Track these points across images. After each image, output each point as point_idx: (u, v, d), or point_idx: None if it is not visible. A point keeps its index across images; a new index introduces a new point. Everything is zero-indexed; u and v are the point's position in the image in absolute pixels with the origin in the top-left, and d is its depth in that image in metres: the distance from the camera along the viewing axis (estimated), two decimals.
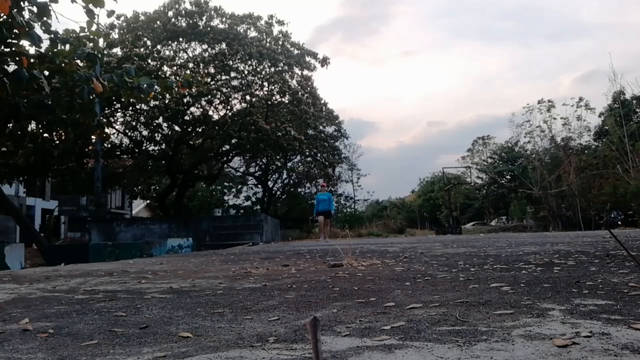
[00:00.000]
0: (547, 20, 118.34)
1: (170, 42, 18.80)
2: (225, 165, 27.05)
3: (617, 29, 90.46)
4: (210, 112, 19.14)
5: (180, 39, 18.77)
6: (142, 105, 17.15)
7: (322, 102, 22.04)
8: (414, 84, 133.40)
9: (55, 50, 6.74)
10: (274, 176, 33.50)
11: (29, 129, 10.46)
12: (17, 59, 6.20)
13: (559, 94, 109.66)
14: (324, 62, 19.71)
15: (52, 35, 6.67)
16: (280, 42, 19.21)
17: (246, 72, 19.09)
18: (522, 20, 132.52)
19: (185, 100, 17.43)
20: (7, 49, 6.31)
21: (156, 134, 20.05)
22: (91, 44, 7.18)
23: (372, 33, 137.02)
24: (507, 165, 39.58)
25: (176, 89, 8.43)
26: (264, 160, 29.17)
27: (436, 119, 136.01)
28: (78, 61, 7.22)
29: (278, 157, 25.92)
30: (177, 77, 16.03)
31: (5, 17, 5.72)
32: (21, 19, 5.66)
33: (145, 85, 7.34)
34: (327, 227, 13.45)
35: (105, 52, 16.11)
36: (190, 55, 19.40)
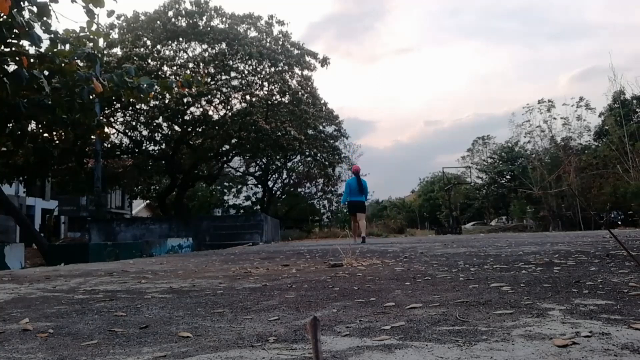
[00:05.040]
0: (545, 20, 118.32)
1: (170, 42, 18.79)
2: (225, 165, 27.03)
3: (616, 29, 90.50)
4: (210, 112, 19.14)
5: (180, 39, 18.76)
6: (142, 105, 17.14)
7: (322, 102, 22.03)
8: (410, 82, 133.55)
9: (55, 50, 6.74)
10: (274, 176, 33.50)
11: (29, 129, 10.47)
12: (17, 59, 6.21)
13: (556, 92, 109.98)
14: (324, 62, 19.70)
15: (52, 35, 6.67)
16: (280, 42, 19.20)
17: (246, 72, 19.08)
18: (519, 19, 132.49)
19: (185, 100, 17.42)
20: (7, 49, 6.32)
21: (156, 134, 20.05)
22: (91, 44, 7.19)
23: (367, 30, 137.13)
24: (507, 165, 39.58)
25: (176, 89, 8.43)
26: (264, 160, 29.16)
27: (433, 118, 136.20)
28: (78, 61, 7.22)
29: (278, 157, 25.91)
30: (177, 77, 16.02)
31: (5, 17, 5.72)
32: (21, 19, 5.67)
33: (145, 85, 7.35)
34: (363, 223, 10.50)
35: (105, 52, 16.12)
36: (190, 55, 19.39)
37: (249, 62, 18.69)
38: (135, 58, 16.97)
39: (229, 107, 19.08)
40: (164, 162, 20.87)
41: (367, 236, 11.31)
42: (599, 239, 7.39)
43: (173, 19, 18.38)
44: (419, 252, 5.76)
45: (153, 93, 8.26)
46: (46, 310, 2.33)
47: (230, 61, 18.45)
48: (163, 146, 20.54)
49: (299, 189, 34.84)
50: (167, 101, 17.38)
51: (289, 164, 31.60)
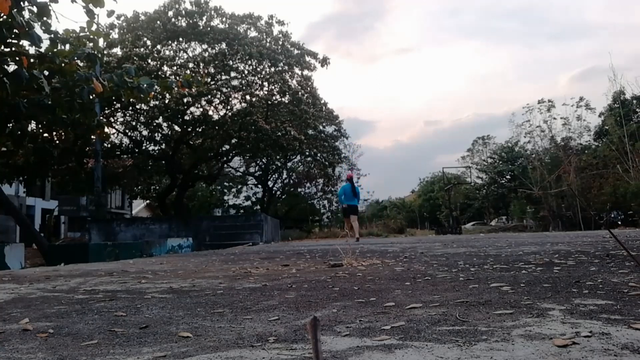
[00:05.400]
0: (545, 20, 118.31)
1: (170, 42, 18.79)
2: (225, 165, 27.03)
3: (616, 29, 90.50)
4: (210, 112, 19.14)
5: (180, 39, 18.76)
6: (142, 105, 17.13)
7: (322, 102, 22.04)
8: (410, 82, 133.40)
9: (55, 50, 6.74)
10: (274, 176, 33.51)
11: (29, 129, 10.46)
12: (17, 59, 6.20)
13: (556, 92, 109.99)
14: (324, 62, 19.70)
15: (52, 35, 6.67)
16: (280, 42, 19.20)
17: (246, 72, 19.08)
18: (519, 19, 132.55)
19: (185, 100, 17.41)
20: (7, 49, 6.31)
21: (156, 134, 20.04)
22: (91, 44, 7.19)
23: (367, 29, 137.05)
24: (507, 165, 39.56)
25: (176, 89, 8.44)
26: (264, 160, 29.16)
27: (433, 118, 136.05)
28: (78, 61, 7.22)
29: (278, 157, 25.91)
30: (177, 77, 16.01)
31: (5, 17, 5.72)
32: (21, 19, 5.66)
33: (145, 85, 7.34)
34: (356, 224, 12.22)
35: (105, 52, 16.11)
36: (190, 55, 19.39)
37: (249, 62, 18.68)
38: (135, 58, 16.96)
39: (229, 107, 19.08)
40: (164, 162, 20.87)
41: (367, 236, 11.80)
42: (599, 239, 7.39)
43: (173, 19, 18.38)
44: (419, 252, 5.77)
45: (153, 93, 8.26)
46: (46, 310, 2.33)
47: (230, 61, 18.44)
48: (163, 146, 20.53)
49: (299, 189, 34.84)
50: (167, 101, 17.37)
51: (289, 164, 31.60)
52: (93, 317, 2.07)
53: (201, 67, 18.57)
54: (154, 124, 19.22)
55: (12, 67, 6.32)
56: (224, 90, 18.23)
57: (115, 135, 19.87)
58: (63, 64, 6.73)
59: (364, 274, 3.46)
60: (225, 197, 37.09)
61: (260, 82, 18.91)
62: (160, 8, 18.55)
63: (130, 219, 26.44)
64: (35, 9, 6.08)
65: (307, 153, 22.62)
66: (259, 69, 18.94)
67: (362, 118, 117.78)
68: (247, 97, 18.47)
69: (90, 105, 7.58)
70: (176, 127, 19.92)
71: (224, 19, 18.90)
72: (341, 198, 12.24)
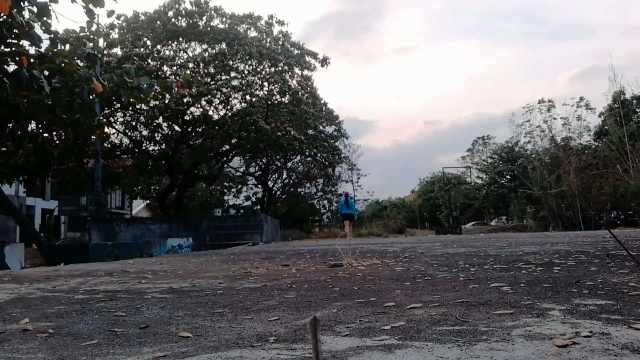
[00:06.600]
0: (545, 20, 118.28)
1: (170, 42, 18.80)
2: (225, 165, 27.03)
3: (616, 29, 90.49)
4: (210, 112, 19.14)
5: (180, 39, 18.77)
6: (142, 105, 17.13)
7: (322, 102, 22.04)
8: (410, 82, 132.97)
9: (55, 50, 6.74)
10: (274, 176, 33.52)
11: (29, 129, 10.46)
12: (17, 59, 6.20)
13: (555, 92, 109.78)
14: (324, 62, 19.69)
15: (52, 35, 6.67)
16: (280, 42, 19.20)
17: (246, 72, 19.08)
18: (519, 19, 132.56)
19: (185, 100, 17.42)
20: (7, 49, 6.31)
21: (156, 134, 20.05)
22: (91, 44, 7.18)
23: (366, 29, 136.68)
24: (507, 165, 39.55)
25: (176, 89, 8.43)
26: (264, 160, 29.17)
27: (433, 118, 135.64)
28: (78, 61, 7.21)
29: (278, 157, 25.91)
30: (177, 77, 16.01)
31: (5, 17, 5.72)
32: (21, 19, 5.66)
33: (145, 85, 7.33)
34: (350, 227, 15.71)
35: (105, 52, 16.11)
36: (190, 55, 19.40)
37: (249, 62, 18.68)
38: (135, 58, 16.96)
39: (229, 107, 19.08)
40: (164, 162, 20.87)
41: (367, 236, 12.70)
42: (599, 239, 7.39)
43: (173, 19, 18.38)
44: (419, 252, 5.77)
45: (153, 93, 8.24)
46: (46, 310, 2.33)
47: (230, 61, 18.44)
48: (163, 146, 20.54)
49: (299, 189, 34.84)
50: (167, 101, 17.38)
51: (289, 164, 31.61)
52: (93, 317, 2.07)
53: (201, 67, 18.57)
54: (154, 124, 19.22)
55: (12, 67, 6.31)
56: (224, 90, 18.23)
57: (115, 135, 19.89)
58: (63, 64, 6.73)
59: (364, 274, 3.46)
60: (225, 197, 37.11)
61: (260, 82, 18.92)
62: (160, 8, 18.55)
63: (130, 219, 26.43)
64: (35, 9, 6.07)
65: (307, 153, 22.62)
66: (259, 69, 18.94)
67: (362, 118, 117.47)
68: (247, 97, 18.48)
69: (90, 105, 7.57)
70: (176, 127, 19.93)
71: (224, 19, 18.90)
72: (340, 209, 16.11)
